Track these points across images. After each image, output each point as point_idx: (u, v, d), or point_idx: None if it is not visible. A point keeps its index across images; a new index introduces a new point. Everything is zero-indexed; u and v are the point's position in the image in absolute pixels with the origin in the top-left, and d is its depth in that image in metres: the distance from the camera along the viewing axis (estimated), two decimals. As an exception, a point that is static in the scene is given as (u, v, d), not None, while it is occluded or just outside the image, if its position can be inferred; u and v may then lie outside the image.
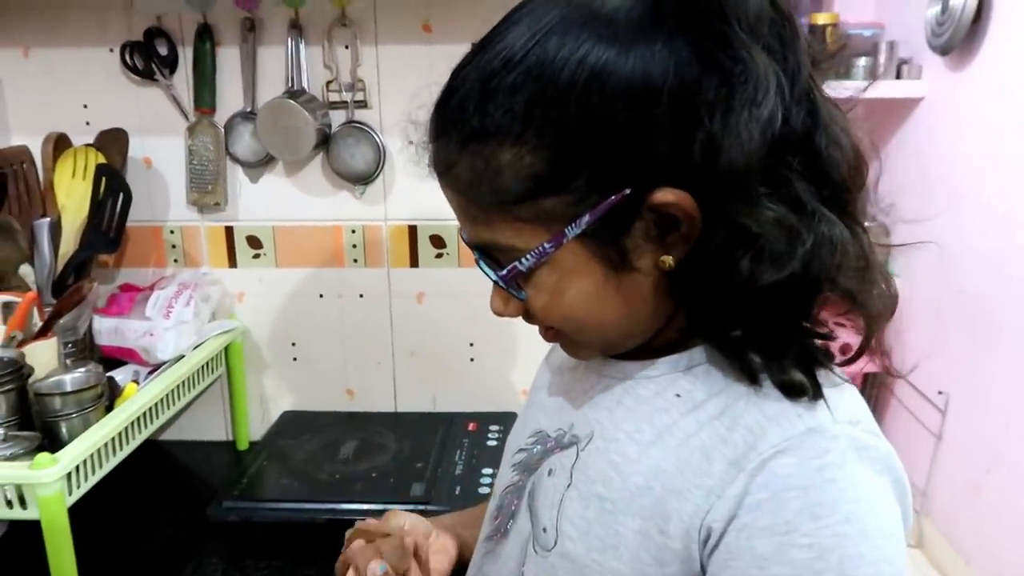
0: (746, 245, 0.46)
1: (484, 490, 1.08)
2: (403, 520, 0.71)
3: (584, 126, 0.46)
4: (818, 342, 0.52)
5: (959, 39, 2.06)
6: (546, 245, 0.49)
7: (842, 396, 0.51)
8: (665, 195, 0.47)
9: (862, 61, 2.28)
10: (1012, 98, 1.95)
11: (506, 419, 1.28)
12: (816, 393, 0.49)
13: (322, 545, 1.04)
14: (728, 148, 0.45)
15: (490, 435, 1.23)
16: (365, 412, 1.34)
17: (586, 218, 0.48)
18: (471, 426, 1.26)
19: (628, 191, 0.47)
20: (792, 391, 0.49)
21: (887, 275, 0.51)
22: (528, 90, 0.47)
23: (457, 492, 1.07)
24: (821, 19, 2.31)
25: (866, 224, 0.51)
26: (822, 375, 0.50)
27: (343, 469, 1.15)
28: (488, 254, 0.53)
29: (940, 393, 2.22)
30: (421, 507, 1.04)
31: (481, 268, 0.54)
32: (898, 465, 0.50)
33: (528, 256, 0.50)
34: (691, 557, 0.49)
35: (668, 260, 0.49)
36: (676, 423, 0.52)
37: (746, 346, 0.51)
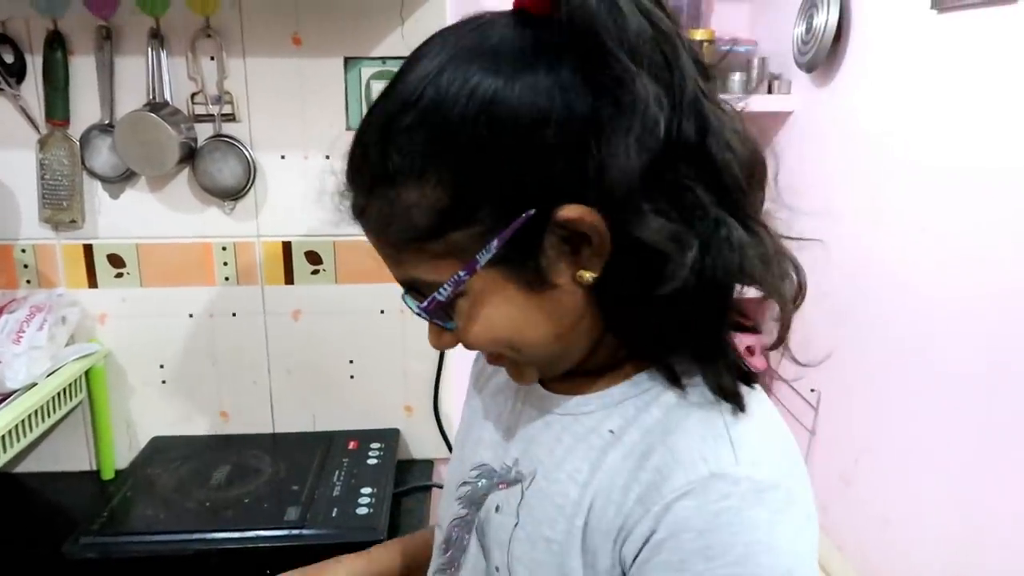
0: (643, 257, 0.48)
1: (362, 511, 1.06)
2: None
3: (479, 157, 0.48)
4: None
5: (822, 57, 2.19)
6: (461, 274, 0.51)
7: (753, 427, 0.53)
8: (568, 211, 0.48)
9: (737, 76, 2.39)
10: (868, 112, 2.09)
11: (387, 436, 1.27)
12: (740, 407, 0.52)
13: (191, 578, 1.00)
14: (610, 168, 0.47)
15: (371, 453, 1.21)
16: (240, 434, 1.30)
17: (495, 243, 0.49)
18: (352, 444, 1.24)
19: (532, 212, 0.48)
20: (727, 395, 0.52)
21: (795, 264, 0.54)
22: (424, 129, 0.49)
23: (334, 514, 1.05)
24: (698, 35, 2.42)
25: (768, 218, 0.54)
26: (746, 394, 0.53)
27: (214, 496, 1.10)
28: (413, 289, 0.55)
29: (812, 391, 2.36)
30: (296, 531, 1.02)
31: (406, 303, 0.56)
32: (804, 497, 0.52)
33: (445, 287, 0.51)
34: None
35: (586, 275, 0.51)
36: (604, 458, 0.54)
37: (674, 355, 0.54)
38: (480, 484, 0.65)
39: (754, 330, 0.55)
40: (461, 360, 1.22)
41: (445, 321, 0.55)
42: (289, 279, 1.25)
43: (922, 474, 1.91)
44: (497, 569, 0.59)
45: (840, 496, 2.24)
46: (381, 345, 1.27)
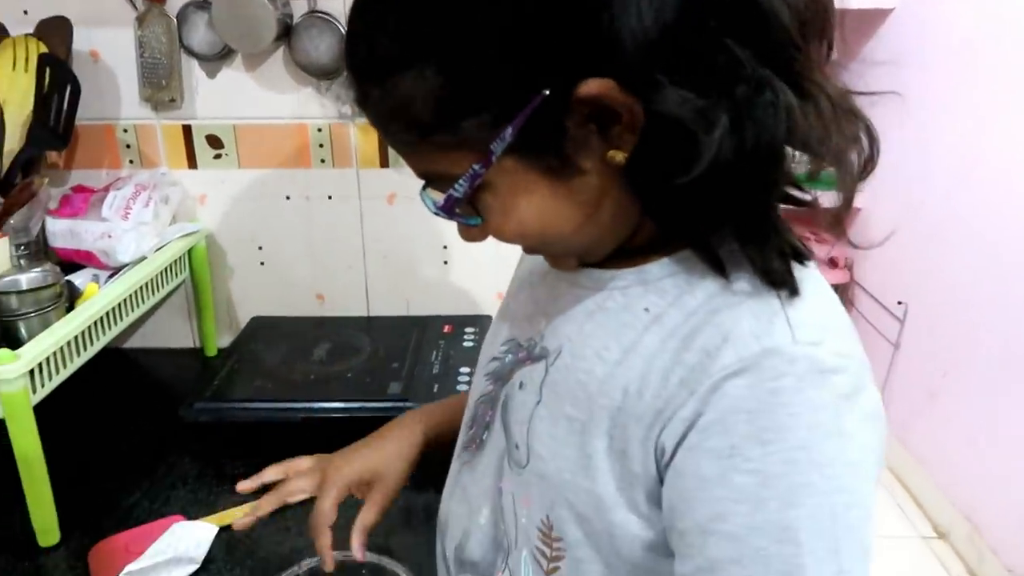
0: (673, 132, 0.42)
1: (462, 387, 1.07)
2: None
3: (477, 31, 0.42)
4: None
5: (930, -55, 2.03)
6: (476, 167, 0.45)
7: (811, 308, 0.47)
8: (589, 87, 0.42)
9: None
10: (974, 8, 1.95)
11: (481, 322, 1.27)
12: (793, 291, 0.46)
13: (298, 444, 1.03)
14: (621, 33, 0.40)
15: (466, 337, 1.22)
16: (336, 317, 1.32)
17: (509, 131, 0.43)
18: (446, 328, 1.24)
19: (547, 92, 0.42)
20: (774, 280, 0.46)
21: (867, 127, 0.46)
22: (414, 6, 0.43)
23: (435, 390, 1.06)
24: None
25: (834, 74, 0.46)
26: (800, 274, 0.47)
27: (317, 370, 1.13)
28: (432, 183, 0.50)
29: (900, 303, 2.28)
30: (400, 403, 1.03)
31: (424, 201, 0.51)
32: (870, 388, 0.47)
33: (461, 182, 0.46)
34: (652, 479, 0.48)
35: (617, 155, 0.45)
36: (641, 340, 0.50)
37: (717, 237, 0.49)
38: (507, 360, 0.62)
39: (811, 204, 0.48)
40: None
41: (467, 217, 0.50)
42: (384, 162, 1.24)
43: (1012, 392, 1.85)
44: (517, 446, 0.57)
45: (924, 411, 2.18)
46: (475, 231, 1.26)
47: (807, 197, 0.48)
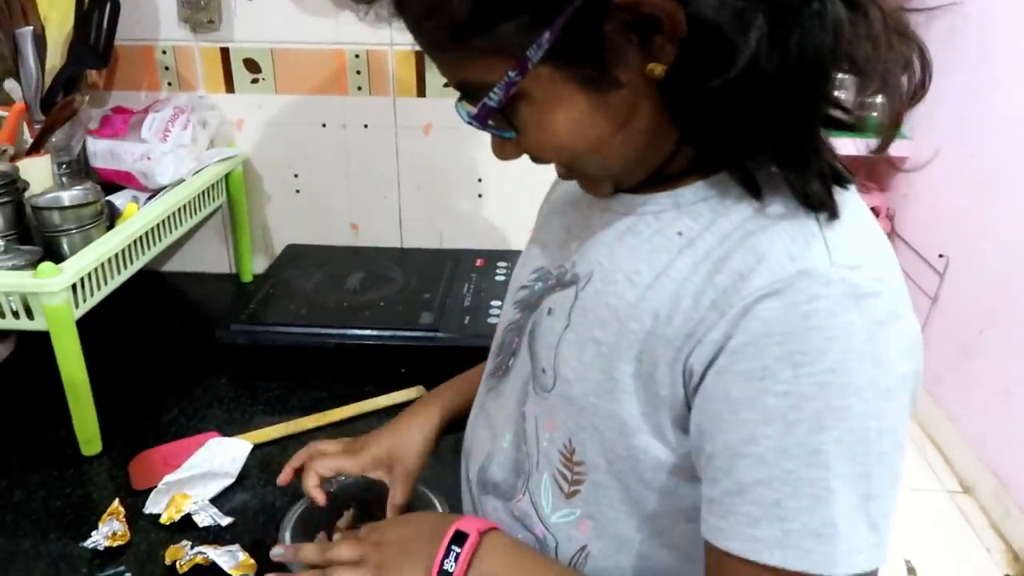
0: (711, 41, 0.41)
1: (493, 320, 1.07)
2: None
3: None
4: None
5: None
6: (511, 74, 0.44)
7: (849, 231, 0.46)
8: None
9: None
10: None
11: (514, 257, 1.25)
12: (833, 213, 0.45)
13: (331, 369, 1.05)
14: None
15: (498, 271, 1.22)
16: (370, 247, 1.32)
17: (546, 36, 0.42)
18: (478, 262, 1.24)
19: None
20: (813, 203, 0.45)
21: (920, 48, 0.45)
22: None
23: (466, 322, 1.07)
24: None
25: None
26: (839, 197, 0.46)
27: (351, 298, 1.14)
28: (467, 95, 0.50)
29: (940, 256, 2.23)
30: (431, 334, 1.04)
31: (459, 112, 0.50)
32: (908, 315, 0.46)
33: (496, 90, 0.45)
34: (679, 403, 0.48)
35: (657, 68, 0.44)
36: (673, 263, 0.49)
37: (755, 159, 0.47)
38: (536, 287, 0.62)
39: (854, 128, 0.46)
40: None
41: (501, 130, 0.49)
42: (421, 92, 1.22)
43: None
44: (544, 371, 0.57)
45: (958, 368, 2.15)
46: (510, 165, 1.24)
47: (850, 119, 0.47)
